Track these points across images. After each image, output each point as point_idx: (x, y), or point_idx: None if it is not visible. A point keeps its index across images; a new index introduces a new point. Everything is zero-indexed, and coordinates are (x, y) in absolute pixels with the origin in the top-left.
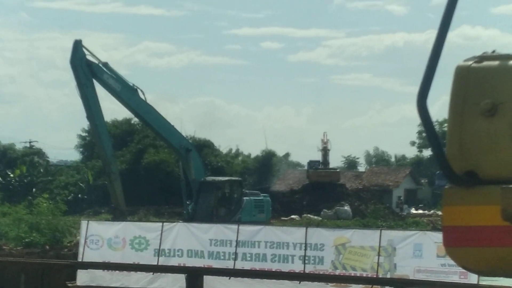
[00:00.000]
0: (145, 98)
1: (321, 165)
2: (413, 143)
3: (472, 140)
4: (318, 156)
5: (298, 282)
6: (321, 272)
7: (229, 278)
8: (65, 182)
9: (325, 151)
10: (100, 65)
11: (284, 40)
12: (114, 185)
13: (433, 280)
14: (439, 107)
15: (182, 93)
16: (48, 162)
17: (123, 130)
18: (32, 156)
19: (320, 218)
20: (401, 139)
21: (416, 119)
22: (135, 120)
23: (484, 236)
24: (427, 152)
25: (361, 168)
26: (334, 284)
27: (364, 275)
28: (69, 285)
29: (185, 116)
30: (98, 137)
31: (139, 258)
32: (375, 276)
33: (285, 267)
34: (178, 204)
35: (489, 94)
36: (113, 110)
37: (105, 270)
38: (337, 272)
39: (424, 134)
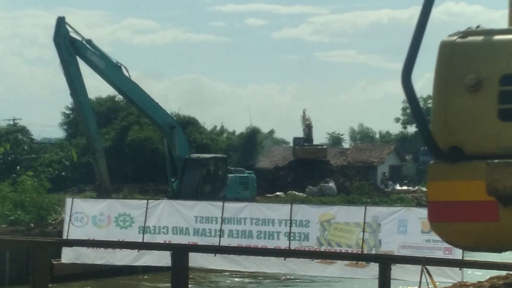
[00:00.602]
0: (129, 75)
1: (302, 142)
2: (397, 120)
3: (456, 115)
4: (303, 133)
5: (284, 258)
6: (306, 249)
7: (215, 255)
8: (49, 159)
9: (308, 128)
10: (84, 42)
11: (269, 17)
12: (99, 163)
13: (418, 255)
14: (424, 83)
15: (166, 70)
16: (32, 140)
17: (107, 107)
18: (16, 134)
19: (305, 195)
20: (385, 115)
21: (400, 95)
22: (119, 97)
23: (469, 211)
24: (412, 129)
25: (346, 144)
26: (319, 260)
27: (349, 251)
28: (54, 262)
29: (170, 94)
30: (82, 114)
31: (124, 236)
32: (360, 252)
33: (271, 244)
34: (163, 182)
35: (474, 69)
36: (97, 87)
37: (90, 248)
38: (323, 248)
39: (408, 111)
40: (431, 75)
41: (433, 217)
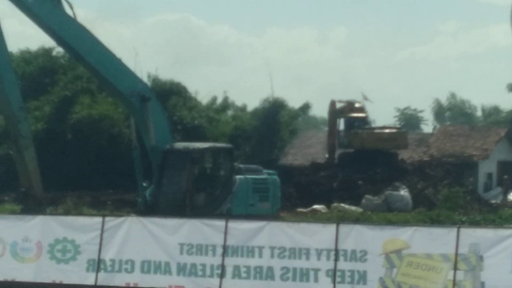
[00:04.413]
0: (74, 15)
1: (360, 123)
2: (511, 88)
3: None
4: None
5: None
6: None
7: None
8: None
9: (358, 110)
10: None
11: None
12: (25, 157)
13: None
14: None
15: (135, 8)
16: None
17: (39, 67)
18: None
19: (360, 209)
20: (492, 81)
21: None
22: (59, 50)
23: None
24: None
25: (427, 128)
26: None
27: None
28: None
29: (141, 45)
30: None
31: (63, 275)
32: None
33: None
34: (128, 188)
35: None
36: (23, 35)
37: None
38: None
39: None
40: None
41: None
